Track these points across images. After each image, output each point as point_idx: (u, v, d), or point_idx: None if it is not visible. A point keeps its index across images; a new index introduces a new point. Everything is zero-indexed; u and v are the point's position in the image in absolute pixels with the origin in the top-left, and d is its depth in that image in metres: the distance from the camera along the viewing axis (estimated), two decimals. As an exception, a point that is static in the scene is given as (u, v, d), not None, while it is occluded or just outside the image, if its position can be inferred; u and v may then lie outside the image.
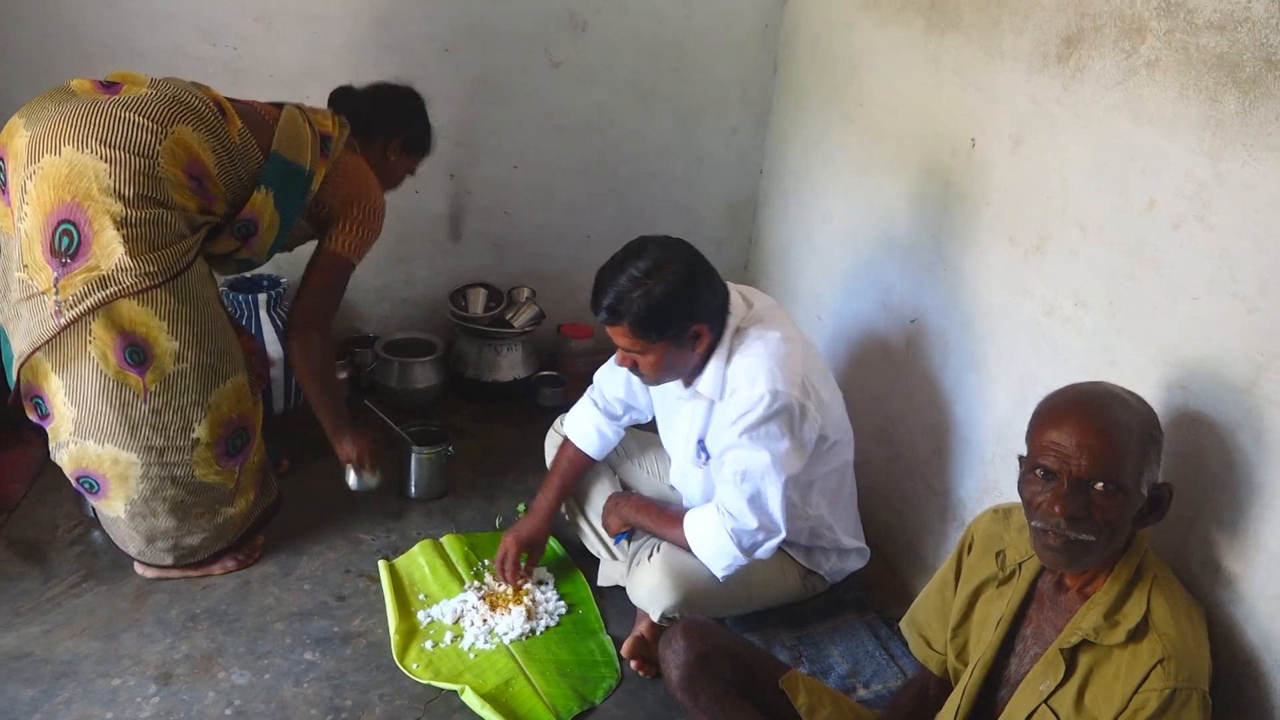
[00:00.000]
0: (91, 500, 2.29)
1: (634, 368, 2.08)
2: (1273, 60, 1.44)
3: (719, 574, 2.08)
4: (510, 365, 3.33)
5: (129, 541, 2.30)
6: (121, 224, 2.02)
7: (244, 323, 2.90)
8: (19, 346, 2.10)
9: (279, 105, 2.35)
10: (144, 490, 2.21)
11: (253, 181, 2.22)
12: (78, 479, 2.22)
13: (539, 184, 3.41)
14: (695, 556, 2.11)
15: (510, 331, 3.29)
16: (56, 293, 2.03)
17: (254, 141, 2.22)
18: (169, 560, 2.33)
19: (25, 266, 2.04)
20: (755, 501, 2.01)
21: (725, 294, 2.09)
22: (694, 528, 2.11)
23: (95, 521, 2.52)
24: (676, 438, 2.28)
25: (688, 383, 2.16)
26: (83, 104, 2.05)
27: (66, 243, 2.01)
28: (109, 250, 2.03)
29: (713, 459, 2.13)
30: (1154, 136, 1.68)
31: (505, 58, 3.20)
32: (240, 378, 2.28)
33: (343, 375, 3.22)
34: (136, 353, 2.11)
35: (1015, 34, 2.07)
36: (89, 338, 2.06)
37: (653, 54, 3.30)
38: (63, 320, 2.03)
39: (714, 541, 2.06)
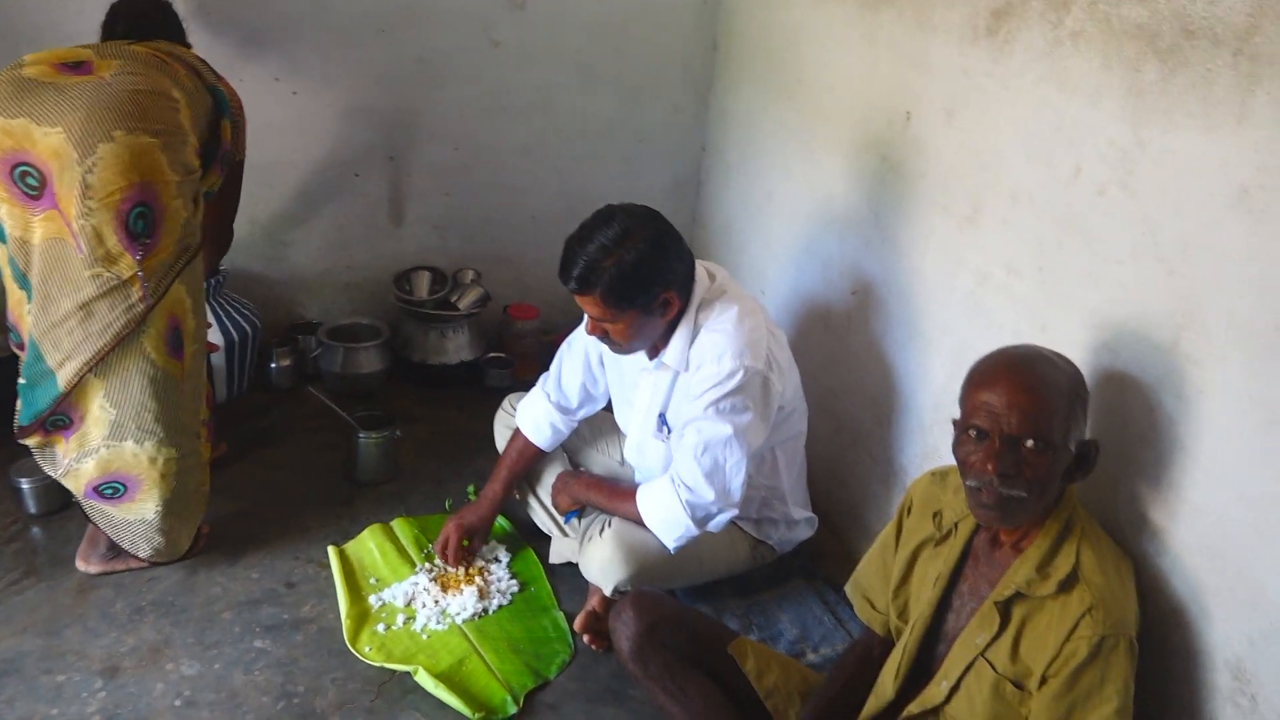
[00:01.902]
0: (109, 506, 2.22)
1: (604, 336, 2.09)
2: (1190, 29, 1.49)
3: (670, 545, 2.10)
4: (457, 348, 3.31)
5: (144, 543, 2.27)
6: (177, 192, 2.06)
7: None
8: (87, 348, 2.04)
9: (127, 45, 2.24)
10: (178, 486, 2.22)
11: (207, 118, 2.23)
12: (98, 486, 2.18)
13: (481, 165, 3.39)
14: (647, 530, 2.13)
15: (456, 314, 3.27)
16: (143, 275, 2.03)
17: (198, 81, 2.23)
18: (175, 556, 2.34)
19: (99, 260, 1.99)
20: (714, 474, 2.03)
21: (692, 261, 2.10)
22: (647, 500, 2.12)
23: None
24: (635, 412, 2.29)
25: (652, 354, 2.17)
26: (90, 88, 1.98)
27: (142, 225, 2.01)
28: (175, 221, 2.07)
29: (674, 432, 2.15)
30: (1079, 106, 1.72)
31: (443, 38, 3.18)
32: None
33: (286, 362, 3.19)
34: (177, 337, 2.15)
35: (946, 7, 2.10)
36: (143, 328, 2.07)
37: (593, 33, 3.29)
38: (151, 301, 2.05)
39: (667, 513, 2.08)
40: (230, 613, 2.24)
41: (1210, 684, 1.47)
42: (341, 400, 2.83)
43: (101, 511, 2.23)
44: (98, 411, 2.11)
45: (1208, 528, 1.48)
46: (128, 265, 2.02)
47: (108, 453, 2.14)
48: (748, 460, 2.04)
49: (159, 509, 2.21)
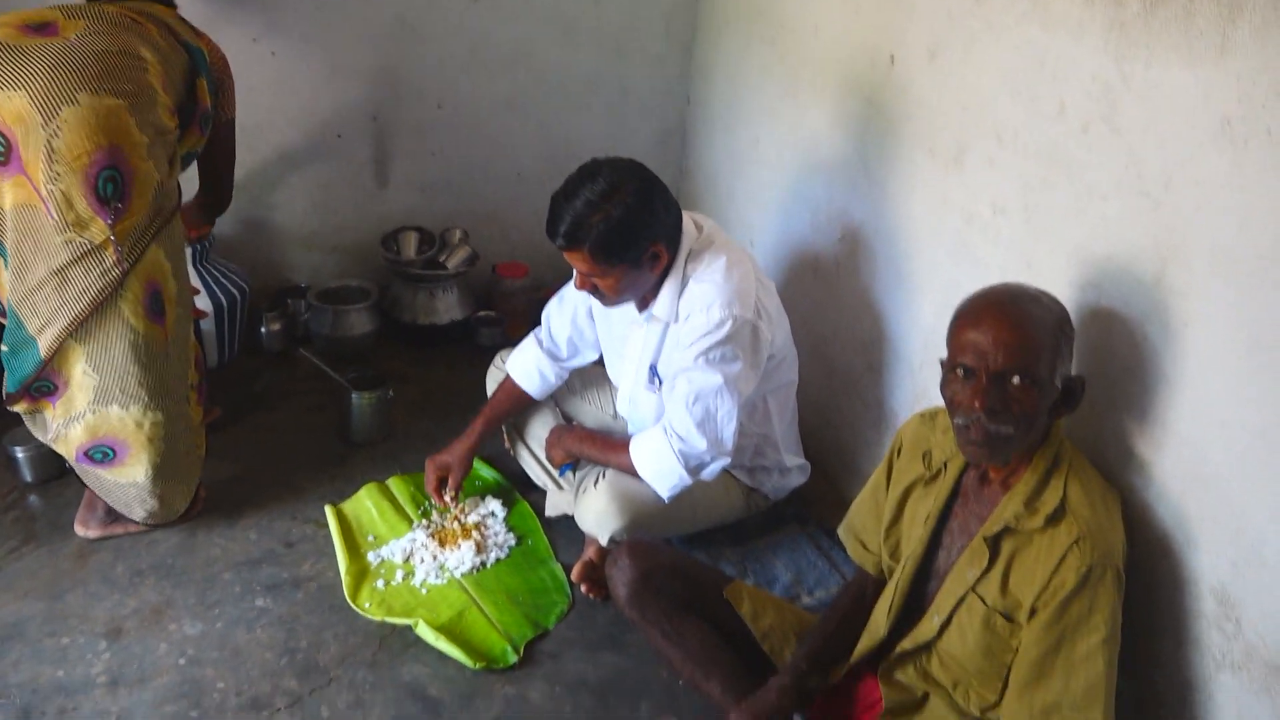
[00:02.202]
0: (100, 470, 2.22)
1: (594, 290, 2.10)
2: (1171, -40, 1.48)
3: (664, 495, 2.12)
4: (446, 307, 3.31)
5: (138, 506, 2.28)
6: (148, 155, 2.03)
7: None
8: (65, 314, 2.02)
9: (99, 5, 2.20)
10: (167, 450, 2.22)
11: (184, 78, 2.19)
12: (88, 451, 2.18)
13: (465, 123, 3.36)
14: (641, 480, 2.14)
15: (444, 274, 3.27)
16: (115, 239, 2.00)
17: (173, 40, 2.19)
18: (171, 519, 2.35)
19: (70, 225, 1.96)
20: (706, 423, 2.04)
21: (679, 212, 2.10)
22: (640, 450, 2.14)
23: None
24: (626, 365, 2.30)
25: (642, 306, 2.18)
26: (53, 50, 1.94)
27: (112, 189, 1.98)
28: (148, 183, 2.04)
29: (665, 382, 2.16)
30: (1063, 41, 1.71)
31: (421, -7, 3.14)
32: None
33: (276, 326, 3.19)
34: (157, 301, 2.13)
35: (928, -54, 2.08)
36: (121, 293, 2.05)
37: (573, -16, 3.25)
38: (126, 265, 2.03)
39: (661, 463, 2.09)
40: (230, 573, 2.26)
41: (1196, 610, 1.50)
42: (332, 362, 2.83)
43: (94, 475, 2.24)
44: (81, 377, 2.10)
45: (1192, 458, 1.50)
46: (99, 230, 1.99)
47: (94, 417, 2.14)
48: (739, 408, 2.06)
49: (149, 472, 2.22)
